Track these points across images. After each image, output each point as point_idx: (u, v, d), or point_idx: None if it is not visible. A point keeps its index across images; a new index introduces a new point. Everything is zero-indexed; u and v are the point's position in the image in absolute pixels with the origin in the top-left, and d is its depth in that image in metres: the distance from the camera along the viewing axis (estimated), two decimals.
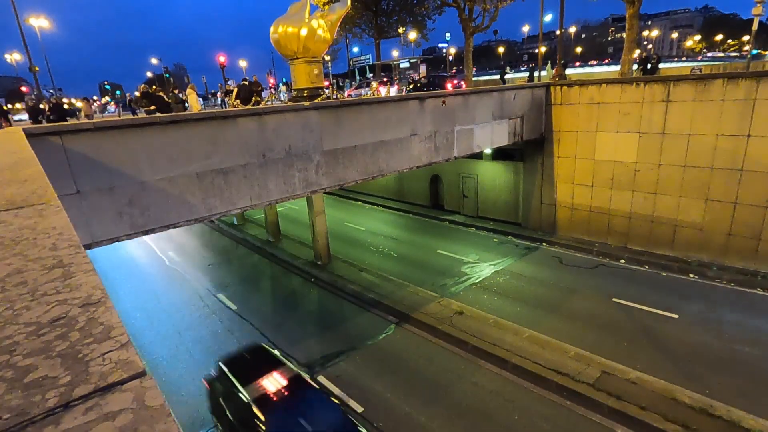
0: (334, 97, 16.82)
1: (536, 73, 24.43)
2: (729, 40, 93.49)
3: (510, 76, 34.23)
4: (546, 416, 8.64)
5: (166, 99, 15.03)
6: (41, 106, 16.35)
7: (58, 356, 0.89)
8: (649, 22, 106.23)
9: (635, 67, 21.03)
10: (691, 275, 13.56)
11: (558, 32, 22.31)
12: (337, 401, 8.28)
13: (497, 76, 34.10)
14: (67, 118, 14.41)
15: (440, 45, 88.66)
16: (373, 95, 19.45)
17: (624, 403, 8.49)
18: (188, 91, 17.51)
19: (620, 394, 8.72)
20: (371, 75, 46.18)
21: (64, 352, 0.90)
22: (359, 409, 9.18)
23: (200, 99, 23.84)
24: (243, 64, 61.63)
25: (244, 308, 14.18)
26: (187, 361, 11.55)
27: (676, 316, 11.48)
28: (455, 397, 9.33)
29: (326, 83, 23.55)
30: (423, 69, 41.53)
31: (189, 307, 14.59)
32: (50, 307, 1.08)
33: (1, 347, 0.93)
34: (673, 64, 54.02)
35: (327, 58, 48.17)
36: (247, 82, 19.31)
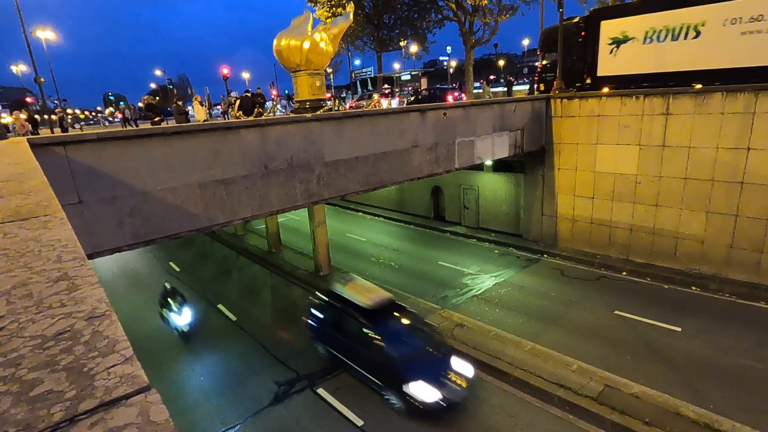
0: (336, 108, 16.97)
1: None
2: None
3: (497, 89, 34.96)
4: (548, 431, 8.52)
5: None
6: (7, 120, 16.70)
7: (63, 370, 0.89)
8: None
9: None
10: (694, 288, 13.50)
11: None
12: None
13: (496, 89, 34.41)
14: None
15: (441, 58, 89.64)
16: (375, 107, 19.61)
17: (627, 418, 8.38)
18: (194, 102, 17.73)
19: (624, 408, 8.61)
20: (372, 87, 46.63)
21: (69, 365, 0.90)
22: (359, 422, 9.08)
23: (209, 111, 23.97)
24: (246, 75, 62.32)
25: (244, 319, 14.11)
26: (185, 372, 11.46)
27: (679, 329, 11.40)
28: (456, 410, 9.22)
29: (328, 95, 23.74)
30: (424, 81, 41.97)
31: None
32: (55, 320, 1.08)
33: (7, 360, 0.93)
34: None
35: (329, 70, 48.73)
36: (249, 94, 19.52)
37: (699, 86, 13.56)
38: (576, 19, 18.02)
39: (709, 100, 12.93)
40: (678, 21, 14.28)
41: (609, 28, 16.05)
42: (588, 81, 16.84)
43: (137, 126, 19.94)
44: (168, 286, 13.58)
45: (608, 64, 16.31)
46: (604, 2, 29.42)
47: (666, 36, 14.66)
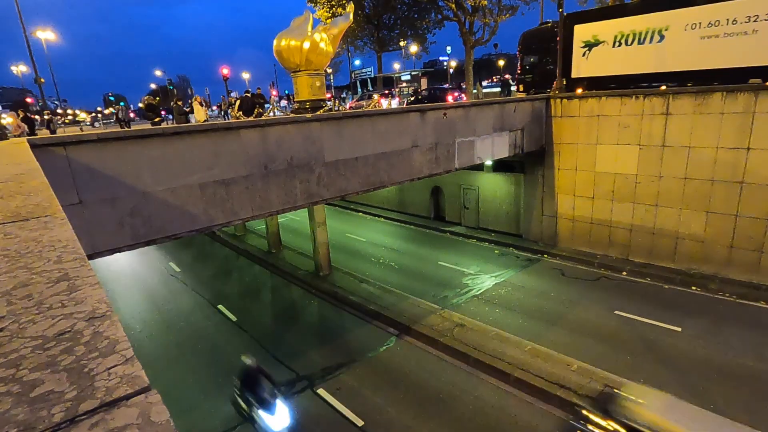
0: (336, 109, 16.99)
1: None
2: None
3: (487, 90, 35.33)
4: (549, 431, 8.52)
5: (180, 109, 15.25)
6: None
7: (63, 370, 0.89)
8: None
9: None
10: (694, 288, 13.50)
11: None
12: None
13: (492, 89, 34.45)
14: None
15: (441, 58, 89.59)
16: (375, 107, 19.61)
17: None
18: (193, 102, 17.72)
19: None
20: (372, 87, 46.66)
21: (69, 366, 0.90)
22: (359, 422, 9.08)
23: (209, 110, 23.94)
24: (246, 76, 62.37)
25: (244, 320, 14.11)
26: (186, 373, 11.46)
27: (679, 329, 11.40)
28: (457, 410, 9.23)
29: (328, 95, 23.75)
30: (424, 82, 42.04)
31: (189, 319, 14.52)
32: (56, 321, 1.08)
33: (8, 361, 0.93)
34: None
35: (329, 70, 48.74)
36: (249, 94, 19.53)
37: (664, 87, 14.05)
38: (551, 24, 18.55)
39: (709, 99, 12.93)
40: (644, 26, 14.86)
41: (582, 32, 16.63)
42: (564, 82, 17.33)
43: (129, 127, 19.89)
44: (249, 362, 8.57)
45: (581, 66, 16.90)
46: (604, 2, 29.42)
47: (633, 40, 15.26)
